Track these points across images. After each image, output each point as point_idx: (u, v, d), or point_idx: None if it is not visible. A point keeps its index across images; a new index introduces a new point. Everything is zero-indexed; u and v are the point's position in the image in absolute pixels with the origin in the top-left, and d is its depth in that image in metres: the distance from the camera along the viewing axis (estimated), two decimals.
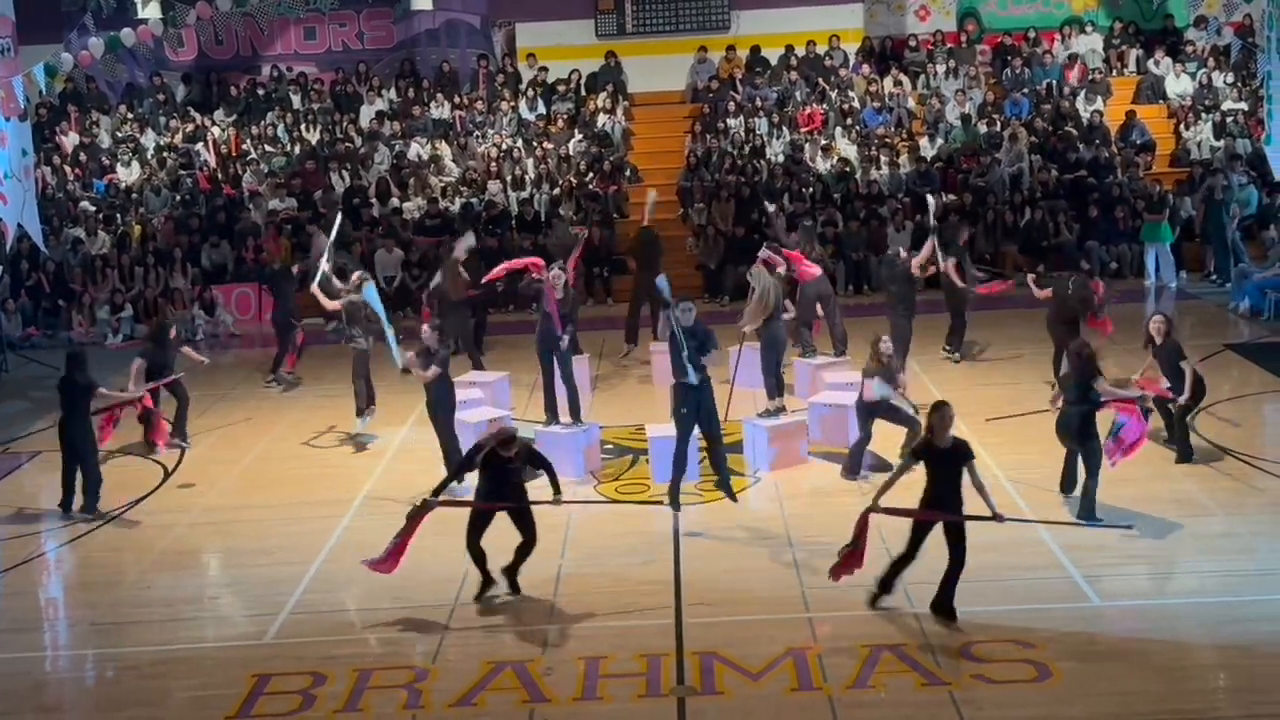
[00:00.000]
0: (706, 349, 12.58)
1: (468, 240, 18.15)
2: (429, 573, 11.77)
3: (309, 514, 13.46)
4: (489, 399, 15.63)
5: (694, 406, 12.56)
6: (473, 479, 11.21)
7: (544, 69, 27.15)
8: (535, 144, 25.67)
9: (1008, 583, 10.89)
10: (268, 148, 26.03)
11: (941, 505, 10.13)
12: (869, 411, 13.45)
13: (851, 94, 26.22)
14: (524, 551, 11.07)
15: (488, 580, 11.12)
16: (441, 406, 13.64)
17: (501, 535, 11.12)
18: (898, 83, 26.37)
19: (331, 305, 15.95)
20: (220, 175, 25.42)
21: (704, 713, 9.15)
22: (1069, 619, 10.26)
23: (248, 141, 26.23)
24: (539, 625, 10.66)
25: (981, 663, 9.60)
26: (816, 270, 16.60)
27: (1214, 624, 10.06)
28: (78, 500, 13.60)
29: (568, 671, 9.80)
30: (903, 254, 17.17)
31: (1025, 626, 10.11)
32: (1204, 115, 25.00)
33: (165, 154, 25.94)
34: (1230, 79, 25.64)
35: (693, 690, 9.43)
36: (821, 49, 27.06)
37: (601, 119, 26.17)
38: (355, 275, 15.99)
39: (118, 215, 24.53)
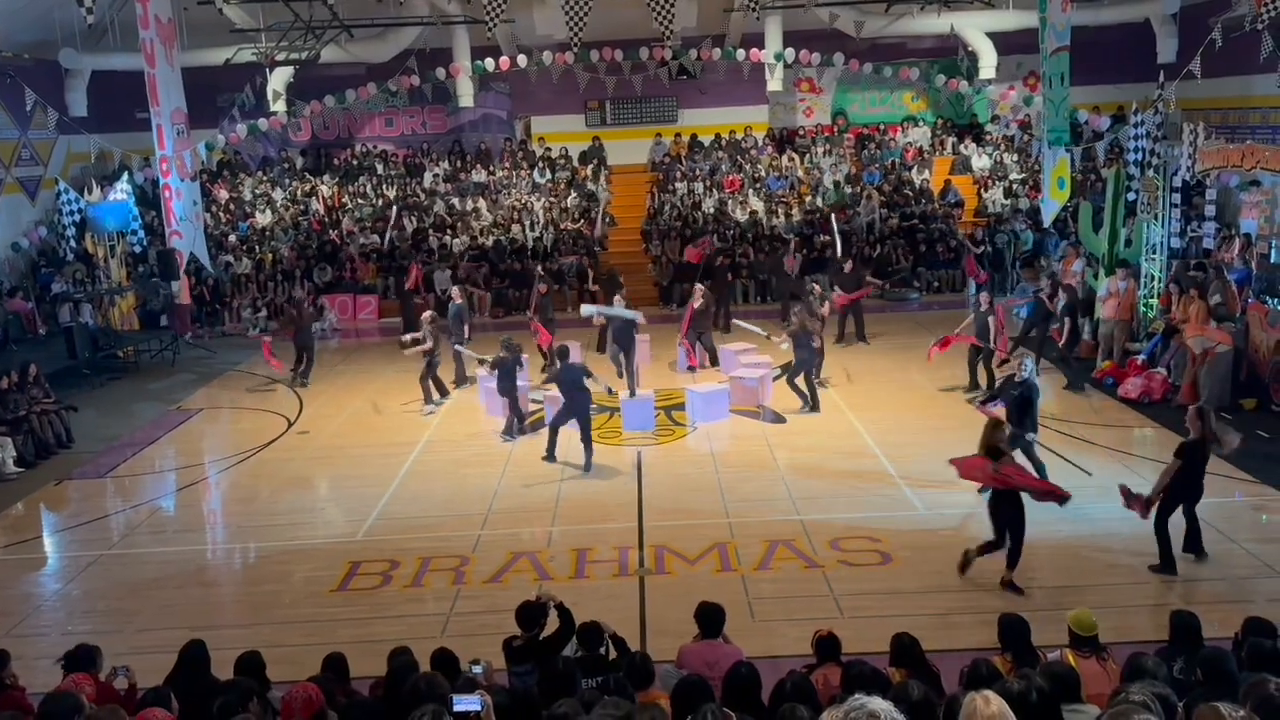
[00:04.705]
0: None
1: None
2: (470, 491, 11.78)
3: (388, 451, 13.40)
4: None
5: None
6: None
7: (550, 148, 26.98)
8: (543, 199, 25.53)
9: (863, 498, 10.98)
10: (359, 200, 25.78)
11: None
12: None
13: (760, 166, 26.18)
14: None
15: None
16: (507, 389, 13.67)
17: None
18: (791, 159, 26.29)
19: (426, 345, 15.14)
20: (326, 219, 25.16)
21: (658, 586, 9.18)
22: (904, 522, 10.34)
23: (346, 196, 25.96)
24: (546, 527, 10.67)
25: (845, 552, 9.67)
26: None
27: None
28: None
29: (565, 559, 9.82)
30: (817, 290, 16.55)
31: (874, 527, 10.18)
32: (997, 182, 25.09)
33: (289, 204, 25.67)
34: (1015, 158, 25.71)
35: (650, 571, 9.48)
36: (740, 135, 26.97)
37: (589, 183, 26.03)
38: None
39: (256, 247, 24.24)
